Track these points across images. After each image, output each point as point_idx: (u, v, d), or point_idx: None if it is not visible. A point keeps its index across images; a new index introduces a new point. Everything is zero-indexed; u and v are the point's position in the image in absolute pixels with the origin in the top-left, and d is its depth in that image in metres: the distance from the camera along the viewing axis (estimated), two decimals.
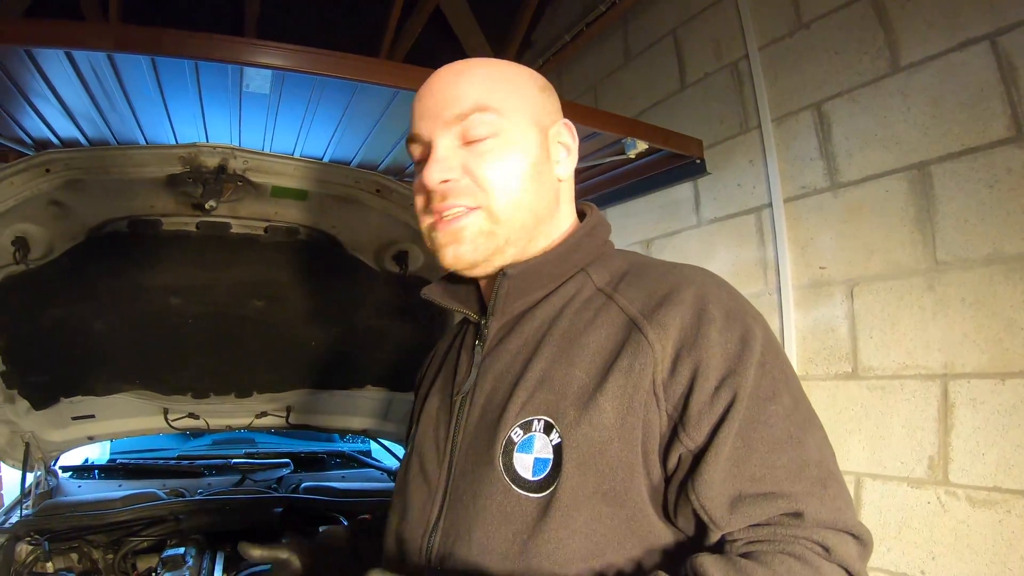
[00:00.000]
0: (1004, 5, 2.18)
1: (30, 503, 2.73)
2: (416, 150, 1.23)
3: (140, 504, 2.74)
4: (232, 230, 2.45)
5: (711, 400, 0.99)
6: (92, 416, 3.06)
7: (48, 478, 3.00)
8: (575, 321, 1.14)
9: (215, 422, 3.31)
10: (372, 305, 2.85)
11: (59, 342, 2.66)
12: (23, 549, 2.50)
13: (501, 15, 4.39)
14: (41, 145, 2.82)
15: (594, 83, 4.15)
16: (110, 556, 2.66)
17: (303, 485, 3.18)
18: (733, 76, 3.13)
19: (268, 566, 2.52)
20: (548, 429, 1.07)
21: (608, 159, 3.17)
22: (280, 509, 2.94)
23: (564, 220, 1.27)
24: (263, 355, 3.04)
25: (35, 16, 3.39)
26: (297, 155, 2.83)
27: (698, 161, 3.20)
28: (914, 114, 2.41)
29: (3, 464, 3.04)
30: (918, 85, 2.40)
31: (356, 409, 3.43)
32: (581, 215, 1.32)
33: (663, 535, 1.06)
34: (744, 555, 0.95)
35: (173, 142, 2.93)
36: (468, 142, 1.17)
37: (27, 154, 2.14)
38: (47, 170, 2.04)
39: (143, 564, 2.69)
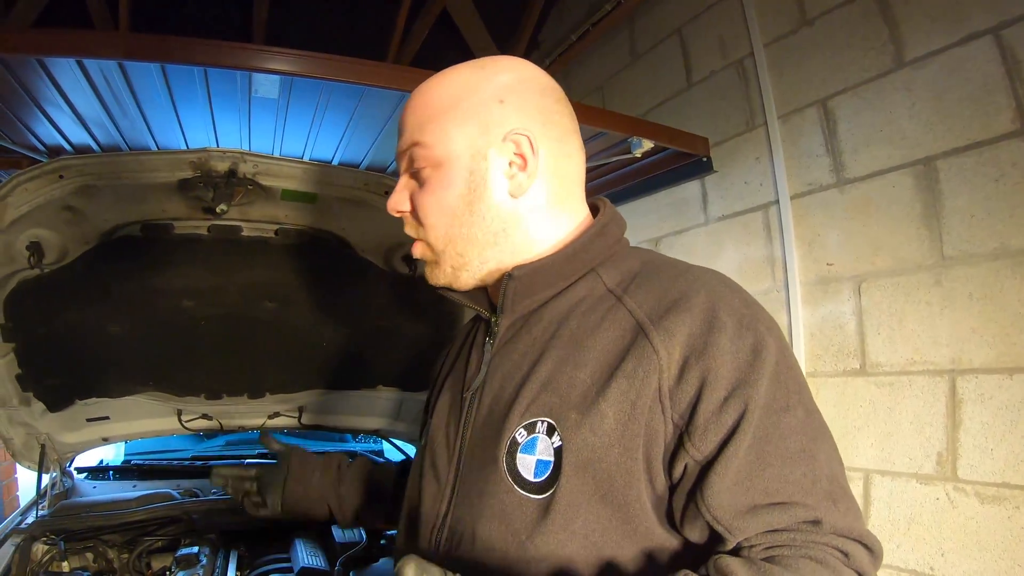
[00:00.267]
0: None
1: (46, 504, 2.75)
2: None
3: (154, 504, 2.76)
4: (243, 233, 2.47)
5: (720, 410, 0.98)
6: (107, 418, 3.08)
7: (63, 479, 3.02)
8: (583, 323, 1.14)
9: (228, 423, 3.32)
10: (382, 306, 2.86)
11: (73, 345, 2.67)
12: (39, 549, 2.53)
13: (508, 16, 4.38)
14: (54, 152, 2.84)
15: (601, 82, 4.15)
16: (125, 555, 2.68)
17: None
18: (739, 74, 3.14)
19: (280, 565, 2.56)
20: (551, 431, 1.07)
21: (615, 158, 3.17)
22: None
23: (559, 222, 1.23)
24: (275, 356, 3.05)
25: (45, 26, 3.41)
26: (306, 159, 2.85)
27: (704, 159, 3.21)
28: (919, 109, 2.41)
29: (19, 466, 3.06)
30: (923, 80, 2.40)
31: (368, 409, 3.44)
32: (594, 210, 1.31)
33: (664, 540, 1.05)
34: (766, 559, 0.94)
35: (184, 147, 2.96)
36: (413, 175, 1.24)
37: (40, 161, 2.17)
38: (60, 176, 2.06)
39: (157, 563, 2.72)
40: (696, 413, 1.00)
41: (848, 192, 2.63)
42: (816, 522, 0.94)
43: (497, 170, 1.18)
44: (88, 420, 3.01)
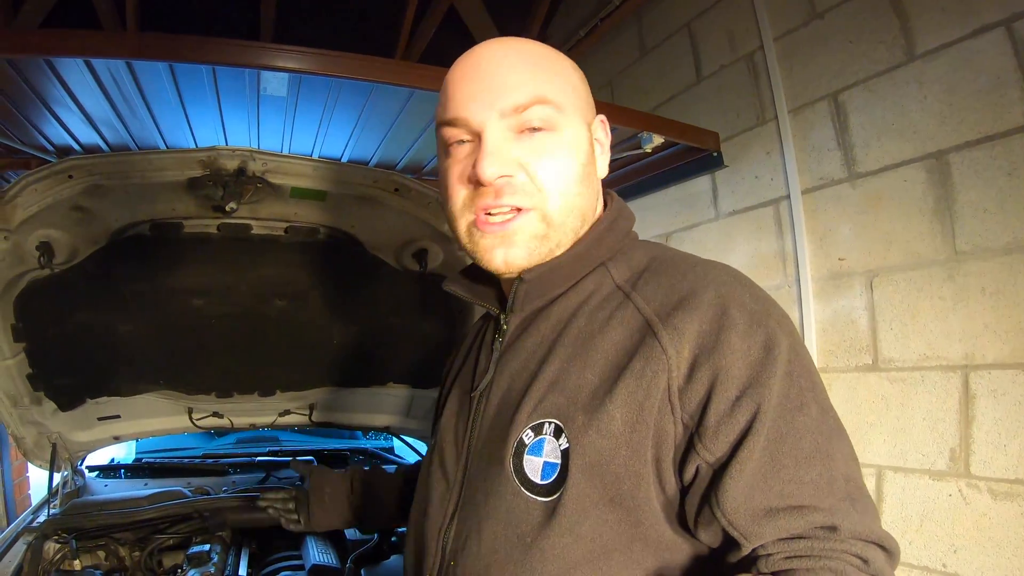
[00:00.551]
0: None
1: (57, 502, 2.76)
2: (454, 134, 1.15)
3: (166, 502, 2.78)
4: (253, 231, 2.47)
5: (731, 411, 0.96)
6: (118, 416, 3.09)
7: (75, 478, 3.03)
8: (591, 321, 1.12)
9: (239, 421, 3.33)
10: (392, 303, 2.86)
11: (84, 344, 2.68)
12: (51, 547, 2.54)
13: (515, 12, 4.37)
14: (63, 152, 2.85)
15: (610, 78, 4.14)
16: (137, 553, 2.69)
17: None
18: (748, 68, 3.12)
19: (292, 563, 2.57)
20: (558, 433, 1.05)
21: (625, 154, 3.17)
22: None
23: (595, 217, 1.22)
24: (286, 354, 3.05)
25: (52, 26, 3.42)
26: (315, 156, 2.85)
27: (715, 154, 3.20)
28: (930, 103, 2.39)
29: (31, 464, 3.07)
30: (934, 73, 2.38)
31: (378, 406, 3.44)
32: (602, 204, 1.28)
33: (674, 542, 1.03)
34: (784, 571, 0.92)
35: (193, 146, 2.96)
36: (521, 134, 1.11)
37: (49, 161, 2.17)
38: (70, 176, 2.06)
39: (169, 561, 2.73)
40: (707, 414, 0.97)
41: (860, 186, 2.61)
42: (833, 528, 0.92)
43: (597, 146, 1.20)
44: (99, 419, 3.02)
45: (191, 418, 3.25)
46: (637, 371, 1.01)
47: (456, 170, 1.15)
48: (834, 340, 2.70)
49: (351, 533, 2.79)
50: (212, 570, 2.48)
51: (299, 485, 2.19)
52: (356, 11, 4.15)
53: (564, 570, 1.01)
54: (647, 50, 3.84)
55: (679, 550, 1.04)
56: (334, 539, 2.86)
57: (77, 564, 2.57)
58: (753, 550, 0.95)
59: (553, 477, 1.04)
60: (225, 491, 3.01)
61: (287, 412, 3.35)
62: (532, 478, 1.06)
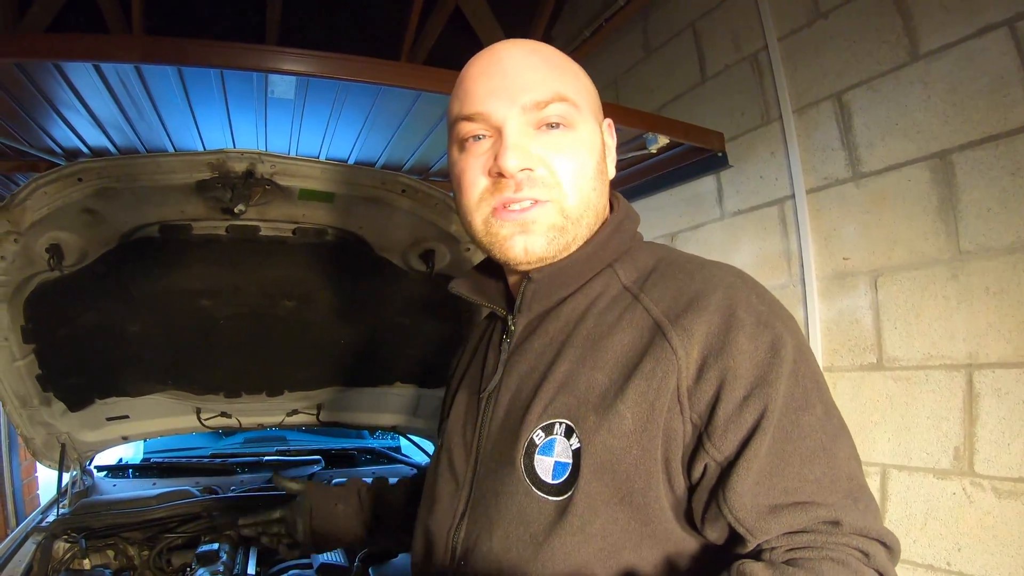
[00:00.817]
0: None
1: (66, 502, 2.77)
2: (472, 129, 1.16)
3: (174, 502, 2.79)
4: (261, 233, 2.47)
5: (739, 410, 0.97)
6: (126, 417, 3.09)
7: (84, 478, 3.05)
8: (600, 322, 1.13)
9: (247, 420, 3.33)
10: (400, 303, 2.86)
11: (93, 345, 2.69)
12: (60, 547, 2.55)
13: (520, 12, 4.38)
14: (71, 155, 2.86)
15: (615, 78, 4.15)
16: (145, 552, 2.71)
17: (334, 481, 3.20)
18: (753, 68, 3.13)
19: (300, 561, 2.58)
20: (569, 433, 1.06)
21: (631, 154, 3.17)
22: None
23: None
24: (294, 354, 3.06)
25: (58, 30, 3.43)
26: (323, 158, 2.86)
27: (720, 154, 3.20)
28: (934, 102, 2.40)
29: (40, 465, 3.09)
30: (937, 73, 2.39)
31: (385, 406, 3.45)
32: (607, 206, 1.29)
33: (682, 540, 1.05)
34: (787, 562, 0.93)
35: (201, 148, 2.97)
36: (540, 130, 1.13)
37: (58, 164, 2.18)
38: (79, 179, 2.07)
39: (178, 560, 2.74)
40: (715, 413, 0.99)
41: (864, 186, 2.62)
42: (836, 522, 0.93)
43: (606, 147, 1.22)
44: (108, 419, 3.03)
45: (199, 418, 3.26)
46: (647, 371, 1.02)
47: (474, 163, 1.16)
48: (839, 339, 2.71)
49: None
50: (221, 569, 2.49)
51: (284, 504, 2.06)
52: (361, 13, 4.15)
53: (575, 568, 1.03)
54: (652, 50, 3.84)
55: (687, 547, 1.05)
56: None
57: (86, 563, 2.59)
58: (758, 545, 0.97)
59: (564, 477, 1.05)
60: (233, 490, 3.02)
61: (295, 412, 3.36)
62: (543, 478, 1.07)
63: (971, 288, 2.29)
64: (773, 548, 0.96)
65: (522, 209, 1.12)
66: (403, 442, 4.27)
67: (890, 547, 0.97)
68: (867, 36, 2.61)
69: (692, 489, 1.03)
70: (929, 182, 2.40)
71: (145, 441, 3.82)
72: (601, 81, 4.09)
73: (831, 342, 2.74)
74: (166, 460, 3.73)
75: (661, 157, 3.30)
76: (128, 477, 3.44)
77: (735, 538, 0.99)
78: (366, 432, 4.60)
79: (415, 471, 3.44)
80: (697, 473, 1.01)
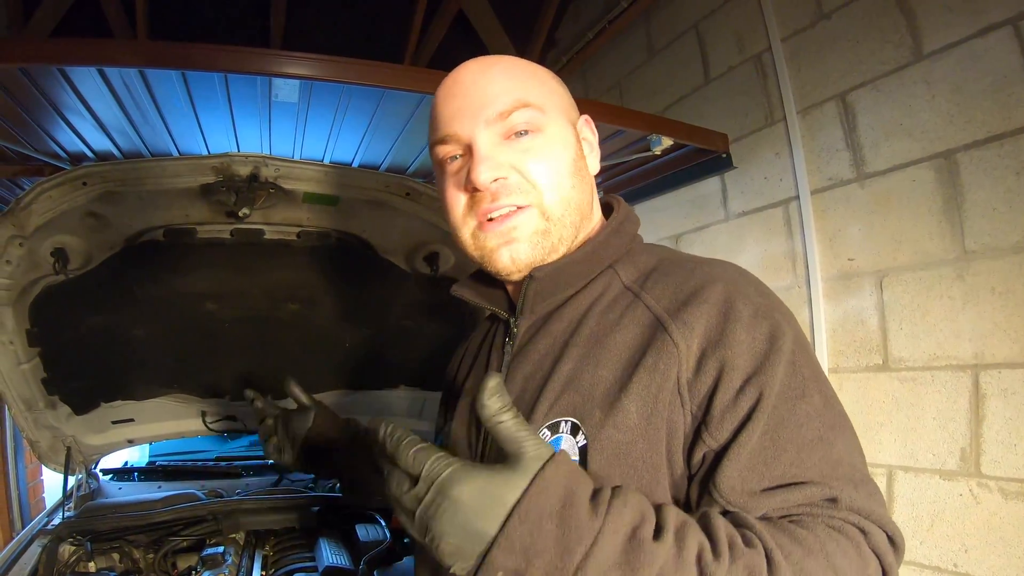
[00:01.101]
0: None
1: (72, 505, 2.78)
2: (446, 151, 1.20)
3: (180, 505, 2.80)
4: (266, 236, 2.48)
5: (735, 399, 0.98)
6: (132, 420, 3.11)
7: (89, 481, 3.06)
8: (602, 321, 1.14)
9: (252, 423, 3.34)
10: (404, 306, 2.87)
11: (98, 349, 2.70)
12: (66, 550, 2.56)
13: (524, 15, 4.38)
14: (76, 159, 2.86)
15: (618, 79, 4.14)
16: (151, 555, 2.72)
17: (339, 485, 3.21)
18: (757, 69, 3.12)
19: (305, 564, 2.58)
20: (575, 431, 1.07)
21: (634, 156, 3.17)
22: (317, 508, 2.98)
23: (594, 216, 1.27)
24: (298, 357, 3.07)
25: (63, 34, 3.44)
26: (327, 161, 2.87)
27: (724, 155, 3.19)
28: (938, 102, 2.39)
29: (45, 468, 3.09)
30: (941, 73, 2.38)
31: (390, 409, 3.45)
32: (607, 208, 1.31)
33: None
34: (778, 520, 0.94)
35: (205, 152, 2.98)
36: (509, 139, 1.15)
37: (62, 168, 2.18)
38: (84, 183, 2.08)
39: (183, 563, 2.75)
40: (713, 403, 1.00)
41: (869, 186, 2.61)
42: (833, 500, 0.94)
43: (584, 144, 1.23)
44: (113, 422, 3.04)
45: (204, 421, 3.27)
46: (650, 365, 1.03)
47: (452, 182, 1.20)
48: (844, 340, 2.70)
49: (363, 534, 2.80)
50: (226, 572, 2.51)
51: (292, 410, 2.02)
52: (364, 17, 4.16)
53: None
54: (655, 52, 3.84)
55: None
56: (347, 540, 2.88)
57: (92, 566, 2.60)
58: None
59: None
60: (239, 494, 3.02)
61: None
62: None
63: (977, 288, 2.28)
64: (769, 516, 0.96)
65: (502, 217, 1.15)
66: None
67: (893, 538, 0.97)
68: (870, 36, 2.60)
69: (691, 479, 1.04)
70: (934, 182, 2.40)
71: (150, 444, 3.84)
72: (605, 83, 4.11)
73: (837, 343, 2.73)
74: (171, 463, 3.74)
75: (665, 159, 3.29)
76: (133, 480, 3.46)
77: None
78: None
79: None
80: (696, 463, 1.02)
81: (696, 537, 0.87)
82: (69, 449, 2.84)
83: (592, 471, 1.03)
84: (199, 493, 2.94)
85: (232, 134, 2.73)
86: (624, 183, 3.59)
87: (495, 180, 1.13)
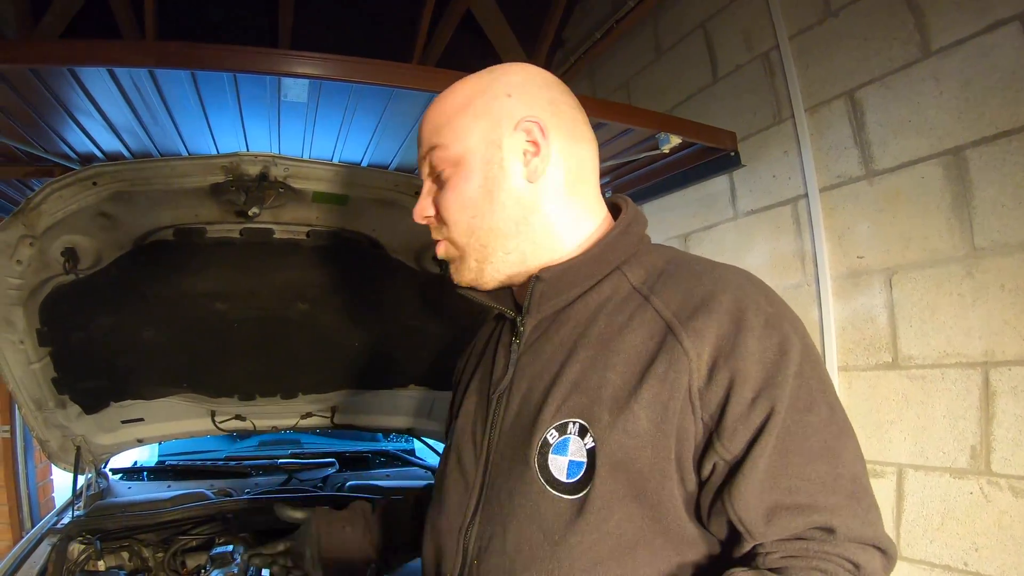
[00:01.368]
0: None
1: (81, 504, 2.78)
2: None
3: (189, 504, 2.80)
4: (275, 236, 2.48)
5: (748, 411, 1.00)
6: (141, 419, 3.11)
7: (98, 480, 3.06)
8: (610, 323, 1.14)
9: (261, 423, 3.35)
10: (414, 305, 2.86)
11: (108, 348, 2.70)
12: (75, 548, 2.57)
13: (531, 15, 4.38)
14: (85, 159, 2.88)
15: (626, 79, 4.15)
16: (160, 554, 2.72)
17: (348, 484, 3.21)
18: (764, 67, 3.12)
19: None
20: (583, 432, 1.08)
21: (643, 155, 3.17)
22: (326, 508, 2.99)
23: (580, 216, 1.26)
24: (308, 357, 3.06)
25: (72, 36, 3.46)
26: (336, 161, 2.87)
27: (732, 154, 3.20)
28: (947, 99, 2.39)
29: (55, 467, 3.10)
30: (949, 69, 2.38)
31: (400, 408, 3.46)
32: (615, 209, 1.31)
33: (695, 538, 1.07)
34: (776, 570, 0.97)
35: (214, 152, 2.99)
36: (435, 179, 1.27)
37: (72, 169, 2.19)
38: (94, 183, 2.08)
39: (192, 562, 2.75)
40: (725, 414, 1.01)
41: (877, 184, 2.61)
42: (830, 530, 0.97)
43: (513, 157, 1.21)
44: (123, 422, 3.04)
45: (214, 421, 3.27)
46: (661, 374, 1.04)
47: None
48: (854, 338, 2.70)
49: None
50: (235, 571, 2.50)
51: (290, 535, 2.01)
52: (371, 18, 4.16)
53: (591, 566, 1.05)
54: (663, 51, 3.84)
55: (700, 544, 1.08)
56: None
57: (101, 565, 2.60)
58: (754, 547, 1.01)
59: (579, 475, 1.07)
60: (248, 493, 3.03)
61: (309, 414, 3.37)
62: (558, 477, 1.09)
63: (986, 285, 2.28)
64: (768, 553, 0.99)
65: (436, 246, 1.31)
66: (417, 444, 4.27)
67: (886, 552, 1.00)
68: (878, 33, 2.60)
69: (701, 486, 1.06)
70: (943, 179, 2.40)
71: (160, 444, 3.84)
72: (612, 83, 4.11)
73: (846, 341, 2.73)
74: (181, 463, 3.73)
75: (673, 157, 3.30)
76: (143, 480, 3.46)
77: (735, 535, 1.03)
78: (380, 435, 4.61)
79: (422, 484, 3.45)
80: (707, 471, 1.04)
81: None
82: (79, 448, 2.84)
83: (600, 474, 1.05)
84: (208, 492, 2.94)
85: (241, 134, 2.74)
86: (632, 182, 3.60)
87: (424, 219, 1.30)
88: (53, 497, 5.10)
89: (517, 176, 1.21)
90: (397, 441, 4.64)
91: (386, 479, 3.45)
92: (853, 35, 2.70)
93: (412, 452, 4.28)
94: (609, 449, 1.05)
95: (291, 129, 2.77)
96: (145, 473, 3.56)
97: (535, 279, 1.20)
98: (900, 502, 2.50)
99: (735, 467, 1.00)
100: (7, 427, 4.48)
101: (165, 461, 3.87)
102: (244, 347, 2.93)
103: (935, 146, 2.42)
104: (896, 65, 2.55)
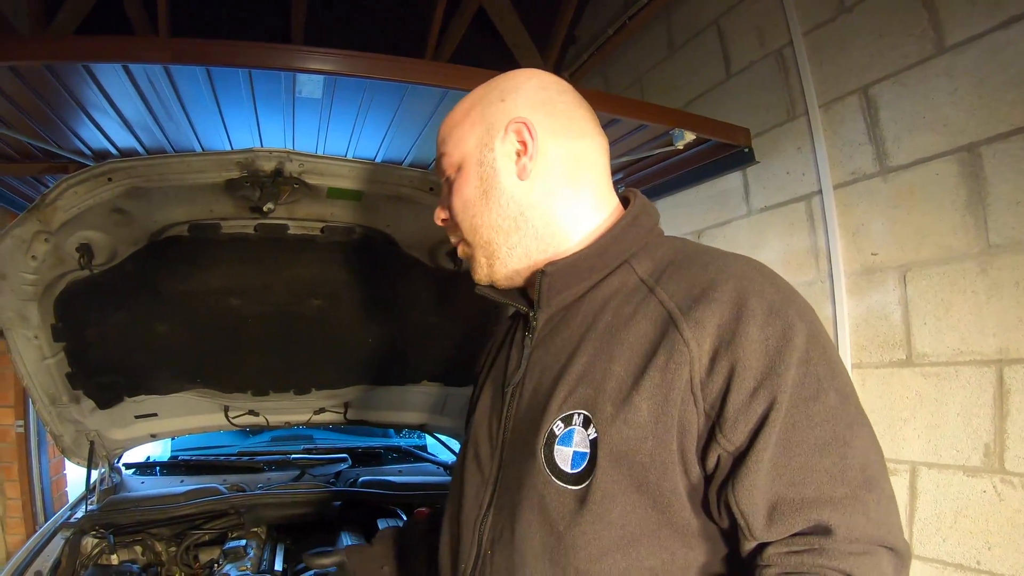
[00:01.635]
0: None
1: (94, 499, 2.80)
2: None
3: (202, 499, 2.81)
4: (290, 231, 2.49)
5: (749, 401, 0.99)
6: (155, 415, 3.12)
7: (112, 475, 3.08)
8: (617, 315, 1.15)
9: (275, 419, 3.36)
10: (427, 301, 2.87)
11: (122, 344, 2.71)
12: (88, 542, 2.59)
13: (544, 12, 4.39)
14: (100, 156, 2.89)
15: (639, 76, 4.15)
16: (173, 549, 2.74)
17: (361, 479, 3.22)
18: (778, 63, 3.12)
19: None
20: (587, 423, 1.09)
21: (657, 151, 3.17)
22: (339, 503, 2.99)
23: (582, 209, 1.27)
24: (321, 353, 3.07)
25: (86, 33, 3.47)
26: (350, 157, 2.87)
27: (746, 150, 3.20)
28: (961, 95, 2.38)
29: (68, 462, 3.12)
30: (964, 65, 2.37)
31: (412, 404, 3.47)
32: (626, 203, 1.32)
33: (703, 531, 1.07)
34: None
35: (228, 148, 2.99)
36: (447, 183, 1.35)
37: (87, 165, 2.20)
38: (109, 179, 2.08)
39: (205, 556, 2.77)
40: (726, 404, 1.00)
41: (892, 180, 2.60)
42: (828, 531, 0.94)
43: (504, 158, 1.25)
44: (136, 417, 3.06)
45: (227, 416, 3.28)
46: (661, 364, 1.04)
47: None
48: (867, 335, 2.70)
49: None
50: (248, 565, 2.52)
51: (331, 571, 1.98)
52: (384, 15, 4.17)
53: (596, 556, 1.06)
54: (676, 48, 3.84)
55: (706, 537, 1.07)
56: (369, 535, 2.88)
57: (114, 559, 2.62)
58: (755, 556, 1.00)
59: (583, 466, 1.08)
60: (260, 488, 3.04)
61: (322, 410, 3.38)
62: (562, 467, 1.10)
63: (1001, 282, 2.27)
64: (766, 566, 0.98)
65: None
66: (429, 440, 4.29)
67: (896, 551, 0.97)
68: (892, 29, 2.59)
69: (708, 479, 1.05)
70: (957, 176, 2.39)
71: (173, 439, 3.86)
72: (625, 80, 4.11)
73: (860, 338, 2.72)
74: (194, 458, 3.76)
75: (687, 154, 3.30)
76: (156, 474, 3.48)
77: (737, 529, 1.02)
78: (392, 431, 4.62)
79: (434, 479, 3.46)
80: (711, 463, 1.03)
81: None
82: (92, 443, 2.86)
83: (601, 465, 1.06)
84: (221, 487, 2.95)
85: (256, 131, 2.75)
86: (646, 178, 3.60)
87: (442, 222, 1.38)
88: (66, 492, 5.11)
89: (508, 175, 1.26)
90: (409, 437, 4.65)
91: (398, 475, 3.46)
92: (867, 31, 2.69)
93: (424, 448, 4.30)
94: (610, 440, 1.05)
95: (305, 125, 2.78)
96: (158, 468, 3.58)
97: (541, 273, 1.22)
98: (913, 500, 2.50)
99: (739, 459, 1.00)
100: (21, 422, 4.50)
101: (178, 456, 3.90)
102: (258, 343, 2.94)
103: (949, 143, 2.41)
104: (910, 61, 2.54)
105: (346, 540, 2.78)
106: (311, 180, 2.24)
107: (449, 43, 4.20)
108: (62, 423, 2.72)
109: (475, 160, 1.27)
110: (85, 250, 2.29)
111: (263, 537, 2.86)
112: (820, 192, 2.87)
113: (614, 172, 1.27)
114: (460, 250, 1.36)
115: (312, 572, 2.60)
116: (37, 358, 2.48)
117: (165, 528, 2.75)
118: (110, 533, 2.60)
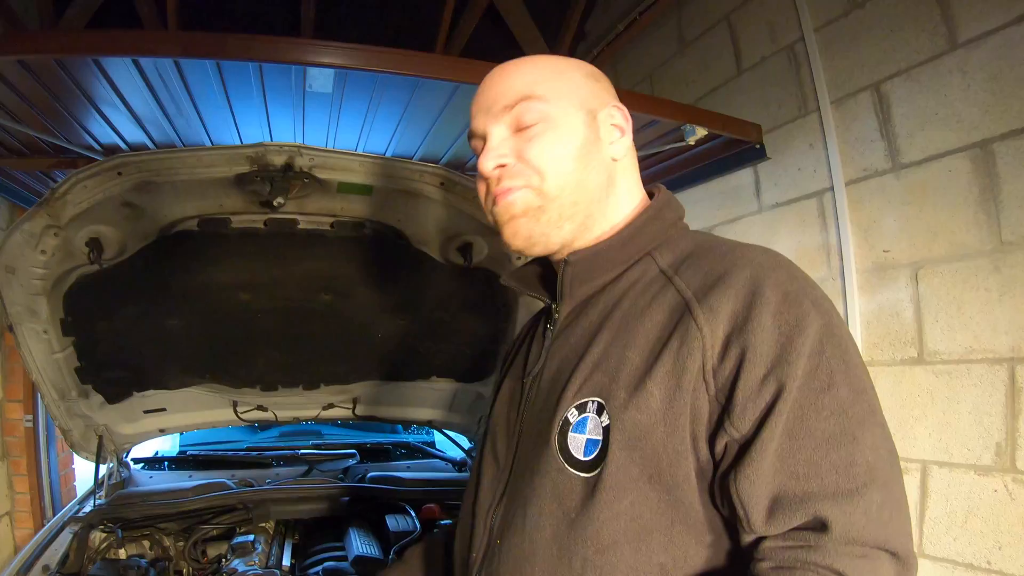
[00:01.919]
0: None
1: (103, 493, 2.81)
2: (476, 144, 1.29)
3: (210, 494, 2.82)
4: (299, 226, 2.49)
5: (758, 389, 0.97)
6: (163, 409, 3.13)
7: (120, 469, 3.09)
8: (635, 303, 1.15)
9: (283, 414, 3.36)
10: (437, 297, 2.86)
11: (132, 338, 2.71)
12: (97, 536, 2.60)
13: (554, 7, 4.38)
14: (110, 150, 2.89)
15: (649, 72, 4.13)
16: (181, 543, 2.75)
17: (369, 475, 3.23)
18: (789, 59, 3.10)
19: (335, 553, 2.59)
20: (600, 410, 1.08)
21: (668, 147, 3.16)
22: (347, 499, 3.00)
23: (624, 201, 1.27)
24: (330, 348, 3.07)
25: (96, 28, 3.47)
26: (360, 151, 2.87)
27: (757, 146, 3.19)
28: (974, 91, 2.37)
29: (77, 456, 3.13)
30: (976, 61, 2.36)
31: (421, 400, 3.47)
32: (651, 197, 1.32)
33: (714, 524, 1.05)
34: None
35: (238, 143, 2.99)
36: (519, 130, 1.22)
37: (96, 159, 2.20)
38: (119, 173, 2.09)
39: (213, 551, 2.77)
40: (735, 391, 0.98)
41: (904, 177, 2.59)
42: (825, 525, 0.92)
43: (607, 132, 1.25)
44: (145, 412, 3.07)
45: (236, 411, 3.29)
46: (674, 350, 1.03)
47: (478, 171, 1.26)
48: (879, 333, 2.68)
49: (393, 524, 2.81)
50: (256, 560, 2.52)
51: None
52: (394, 10, 4.17)
53: (605, 546, 1.04)
54: (686, 43, 3.83)
55: (720, 533, 1.05)
56: (377, 530, 2.89)
57: (122, 553, 2.63)
58: (751, 543, 0.99)
59: (595, 453, 1.07)
60: (269, 483, 3.04)
61: (331, 406, 3.38)
62: (576, 455, 1.09)
63: (1014, 280, 2.25)
64: (761, 559, 0.96)
65: (502, 194, 1.22)
66: (438, 436, 4.28)
67: (898, 556, 0.94)
68: (904, 25, 2.58)
69: (716, 468, 1.03)
70: (970, 172, 2.37)
71: (181, 434, 3.87)
72: (636, 75, 4.09)
73: (871, 336, 2.71)
74: (202, 453, 3.77)
75: (699, 150, 3.29)
76: (164, 469, 3.50)
77: (737, 521, 1.00)
78: (400, 427, 4.62)
79: (442, 475, 3.46)
80: (719, 451, 1.01)
81: None
82: (101, 438, 2.87)
83: (612, 452, 1.05)
84: (229, 482, 2.96)
85: (266, 125, 2.75)
86: (657, 174, 3.59)
87: (496, 167, 1.22)
88: (75, 486, 5.13)
89: (608, 150, 1.25)
90: (418, 433, 4.65)
91: (407, 471, 3.46)
92: (879, 27, 2.68)
93: (432, 444, 4.30)
94: (623, 426, 1.04)
95: (316, 119, 2.78)
96: (167, 463, 3.59)
97: (564, 263, 1.22)
98: (924, 499, 2.49)
99: (744, 447, 0.98)
100: (30, 416, 4.51)
101: (187, 451, 3.90)
102: (267, 338, 2.95)
103: (962, 139, 2.40)
104: (922, 57, 2.53)
105: (355, 535, 2.78)
106: (321, 174, 2.23)
107: (459, 38, 4.20)
108: (71, 418, 2.73)
109: (581, 121, 1.22)
110: (94, 244, 2.29)
111: (271, 532, 2.86)
112: (832, 189, 2.86)
113: None
114: (521, 197, 1.21)
115: (321, 568, 2.62)
116: (46, 352, 2.49)
117: (173, 523, 2.76)
118: (118, 527, 2.61)
